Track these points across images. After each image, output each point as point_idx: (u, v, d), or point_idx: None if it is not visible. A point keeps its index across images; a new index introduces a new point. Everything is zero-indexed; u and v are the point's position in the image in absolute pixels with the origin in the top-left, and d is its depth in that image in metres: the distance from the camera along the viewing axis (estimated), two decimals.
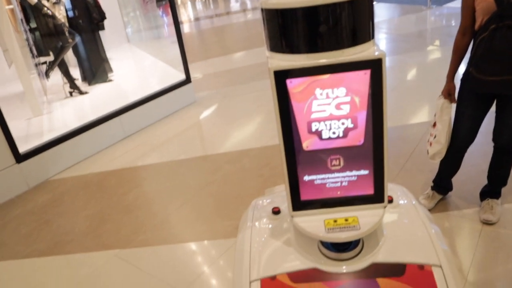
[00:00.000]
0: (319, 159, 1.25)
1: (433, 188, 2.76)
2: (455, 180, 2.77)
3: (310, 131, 1.21)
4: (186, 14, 17.08)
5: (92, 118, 4.50)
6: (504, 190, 2.64)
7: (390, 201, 1.47)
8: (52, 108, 5.24)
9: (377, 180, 1.27)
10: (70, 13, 5.93)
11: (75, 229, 3.14)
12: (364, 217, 1.28)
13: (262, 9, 1.16)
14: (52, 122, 4.80)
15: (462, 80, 2.34)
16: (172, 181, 3.59)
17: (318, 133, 1.21)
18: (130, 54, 8.90)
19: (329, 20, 1.08)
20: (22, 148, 3.87)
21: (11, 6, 4.95)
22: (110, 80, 6.26)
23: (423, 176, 3.05)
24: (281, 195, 1.62)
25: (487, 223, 2.48)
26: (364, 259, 1.29)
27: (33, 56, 5.40)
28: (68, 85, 5.68)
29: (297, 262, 1.31)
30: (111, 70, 6.47)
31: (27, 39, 5.20)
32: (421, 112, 4.31)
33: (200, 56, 8.63)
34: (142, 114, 4.91)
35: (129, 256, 2.73)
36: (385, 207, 1.30)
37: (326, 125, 1.20)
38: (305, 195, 1.30)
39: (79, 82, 6.06)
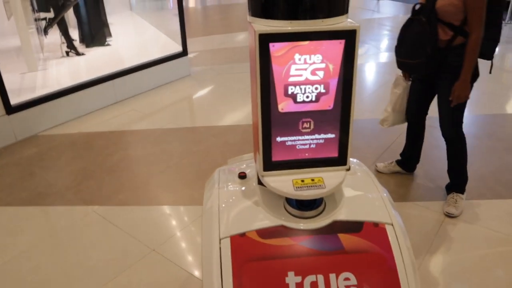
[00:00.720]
0: (292, 122, 1.33)
1: (397, 161, 3.08)
2: (428, 173, 2.88)
3: (286, 94, 1.29)
4: None
5: (86, 79, 4.52)
6: (470, 186, 2.75)
7: (348, 169, 1.57)
8: (47, 65, 5.23)
9: (342, 144, 1.38)
10: None
11: (58, 183, 3.20)
12: (329, 178, 1.38)
13: None
14: (46, 78, 4.81)
15: None
16: (157, 148, 3.66)
17: (293, 96, 1.29)
18: (131, 21, 8.81)
19: None
20: (13, 101, 3.90)
21: None
22: (108, 45, 6.24)
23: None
24: (245, 162, 1.71)
25: (449, 216, 2.60)
26: (326, 217, 1.40)
27: (33, 11, 5.37)
28: (65, 44, 5.66)
29: (265, 220, 1.40)
30: (110, 35, 6.43)
31: None
32: None
33: (201, 31, 8.62)
34: (135, 81, 4.95)
35: (107, 212, 2.81)
36: (347, 169, 1.40)
37: (301, 89, 1.28)
38: (276, 156, 1.39)
39: (77, 43, 6.03)
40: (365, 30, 8.03)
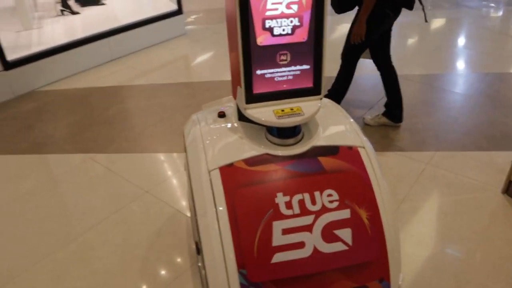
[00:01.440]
0: (270, 54, 1.42)
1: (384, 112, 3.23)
2: (414, 126, 2.99)
3: (264, 27, 1.37)
4: None
5: (81, 37, 4.55)
6: (455, 138, 2.88)
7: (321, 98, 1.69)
8: (42, 24, 5.25)
9: (316, 75, 1.48)
10: None
11: (55, 134, 3.32)
12: (306, 106, 1.49)
13: None
14: (41, 36, 4.84)
15: None
16: (151, 101, 3.75)
17: (270, 30, 1.38)
18: None
19: None
20: (10, 57, 3.95)
21: None
22: (103, 4, 6.22)
23: None
24: (222, 104, 1.80)
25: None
26: (306, 144, 1.52)
27: None
28: (60, 4, 5.65)
29: (250, 150, 1.50)
30: None
31: None
32: None
33: None
34: (130, 39, 4.97)
35: (103, 159, 2.94)
36: (321, 98, 1.51)
37: (277, 22, 1.37)
38: (257, 89, 1.48)
39: (71, 2, 6.01)
40: None
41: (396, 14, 2.80)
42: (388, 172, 2.66)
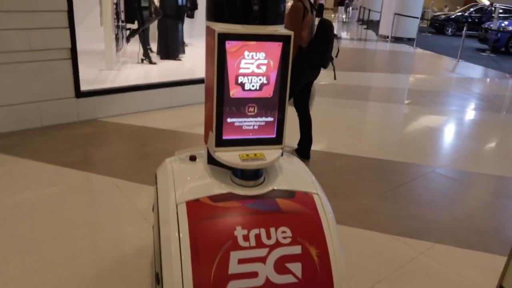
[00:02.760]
0: (240, 105, 1.67)
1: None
2: None
3: (236, 82, 1.63)
4: None
5: (148, 82, 5.19)
6: (467, 235, 2.81)
7: (281, 154, 1.87)
8: (122, 67, 6.06)
9: (279, 126, 1.69)
10: None
11: (96, 157, 3.77)
12: (268, 154, 1.69)
13: None
14: (117, 77, 5.59)
15: None
16: (189, 147, 4.09)
17: (242, 85, 1.63)
18: None
19: (260, 2, 1.52)
20: (83, 87, 4.63)
21: None
22: (179, 60, 7.03)
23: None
24: (192, 151, 1.98)
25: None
26: (266, 187, 1.70)
27: (117, 21, 6.28)
28: (142, 53, 6.50)
29: (216, 188, 1.69)
30: (183, 52, 7.24)
31: (117, 5, 6.08)
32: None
33: None
34: (192, 92, 5.49)
35: (123, 185, 3.27)
36: (282, 148, 1.71)
37: (248, 79, 1.62)
38: (226, 134, 1.71)
39: (154, 54, 6.88)
40: (436, 87, 8.11)
41: (313, 70, 3.60)
42: (376, 252, 2.66)
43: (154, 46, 7.08)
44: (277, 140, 1.71)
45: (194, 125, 4.79)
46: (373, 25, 19.09)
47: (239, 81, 1.62)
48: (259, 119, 1.68)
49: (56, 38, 4.21)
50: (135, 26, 6.39)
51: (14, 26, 3.95)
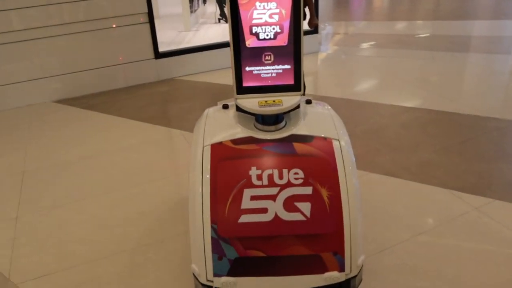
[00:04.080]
0: (257, 55, 1.75)
1: None
2: None
3: (251, 32, 1.71)
4: None
5: (222, 41, 5.39)
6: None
7: (309, 102, 1.92)
8: (200, 28, 6.34)
9: (296, 74, 1.75)
10: None
11: (169, 112, 4.15)
12: (286, 100, 1.77)
13: None
14: (194, 37, 5.89)
15: None
16: None
17: (257, 35, 1.71)
18: None
19: None
20: (163, 49, 4.99)
21: None
22: None
23: None
24: (230, 101, 2.09)
25: None
26: (285, 132, 1.79)
27: None
28: (219, 12, 6.71)
29: (239, 133, 1.84)
30: None
31: None
32: None
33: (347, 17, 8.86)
34: None
35: (190, 136, 3.55)
36: (301, 95, 1.77)
37: (262, 29, 1.69)
38: (246, 82, 1.82)
39: None
40: None
41: None
42: (426, 205, 2.58)
43: None
44: (296, 87, 1.77)
45: None
46: None
47: (254, 31, 1.70)
48: (276, 67, 1.75)
49: (134, 4, 4.57)
50: None
51: None
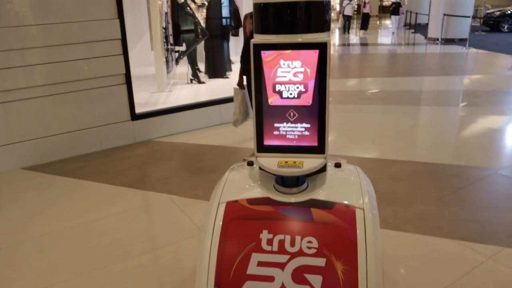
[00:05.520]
0: (279, 113, 1.69)
1: None
2: None
3: (274, 90, 1.67)
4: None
5: (198, 101, 5.37)
6: None
7: (338, 165, 1.83)
8: (173, 88, 6.32)
9: (320, 135, 1.68)
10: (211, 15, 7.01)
11: (152, 175, 3.94)
12: (308, 162, 1.69)
13: (253, 3, 1.66)
14: (168, 98, 5.84)
15: (242, 73, 3.85)
16: (239, 160, 4.17)
17: (280, 93, 1.66)
18: None
19: (291, 12, 1.54)
20: (138, 110, 4.87)
21: (160, 2, 6.16)
22: (227, 77, 7.20)
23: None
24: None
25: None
26: (305, 196, 1.69)
27: (167, 45, 6.58)
28: (191, 73, 6.74)
29: (256, 193, 1.75)
30: (230, 70, 7.42)
31: (166, 30, 6.37)
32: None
33: None
34: None
35: (180, 201, 3.38)
36: (325, 158, 1.69)
37: (285, 87, 1.65)
38: (267, 141, 1.75)
39: (202, 74, 7.12)
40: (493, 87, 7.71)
41: None
42: (439, 257, 2.53)
43: (202, 66, 7.32)
44: (319, 149, 1.70)
45: (244, 140, 4.86)
46: (420, 28, 18.46)
47: (277, 89, 1.65)
48: (299, 127, 1.69)
49: (112, 65, 4.49)
50: (183, 48, 6.66)
51: (77, 57, 4.26)
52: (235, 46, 8.22)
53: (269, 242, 1.56)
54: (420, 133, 5.04)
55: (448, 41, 14.11)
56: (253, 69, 1.64)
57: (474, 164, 3.95)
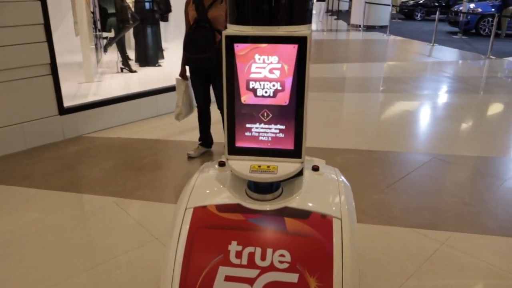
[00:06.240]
0: (253, 113, 1.55)
1: (200, 144, 4.00)
2: None
3: (248, 88, 1.51)
4: None
5: (132, 92, 5.01)
6: (483, 221, 2.74)
7: (316, 169, 1.73)
8: (102, 78, 5.85)
9: (297, 138, 1.55)
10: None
11: (90, 176, 3.59)
12: (283, 167, 1.56)
13: None
14: (98, 89, 5.38)
15: (185, 63, 3.65)
16: (183, 156, 3.96)
17: (254, 91, 1.52)
18: None
19: (268, 1, 1.39)
20: (66, 104, 4.42)
21: None
22: (159, 65, 6.83)
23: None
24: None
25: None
26: (279, 203, 1.56)
27: (95, 30, 6.06)
28: (121, 62, 6.29)
29: (226, 198, 1.60)
30: (162, 57, 7.05)
31: (93, 14, 5.86)
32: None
33: None
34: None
35: (124, 204, 3.12)
36: (301, 162, 1.57)
37: (260, 84, 1.50)
38: (239, 143, 1.60)
39: (132, 62, 6.67)
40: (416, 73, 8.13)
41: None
42: (399, 247, 2.58)
43: (131, 54, 6.87)
44: (296, 153, 1.58)
45: (185, 132, 4.63)
46: (342, 15, 19.12)
47: (251, 87, 1.51)
48: (273, 128, 1.56)
49: (35, 54, 3.99)
50: (111, 34, 6.17)
51: None
52: (164, 32, 7.82)
53: (238, 254, 1.43)
54: (359, 121, 5.16)
55: (369, 28, 14.80)
56: (225, 63, 1.47)
57: (413, 150, 4.12)
